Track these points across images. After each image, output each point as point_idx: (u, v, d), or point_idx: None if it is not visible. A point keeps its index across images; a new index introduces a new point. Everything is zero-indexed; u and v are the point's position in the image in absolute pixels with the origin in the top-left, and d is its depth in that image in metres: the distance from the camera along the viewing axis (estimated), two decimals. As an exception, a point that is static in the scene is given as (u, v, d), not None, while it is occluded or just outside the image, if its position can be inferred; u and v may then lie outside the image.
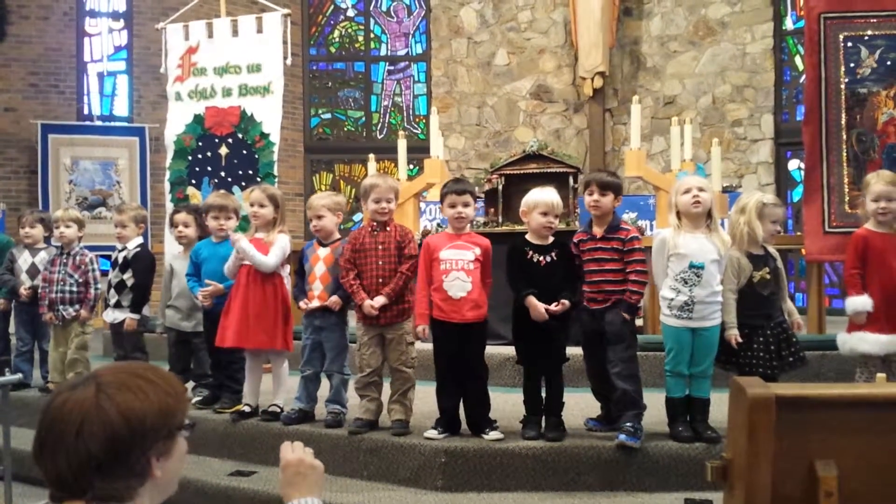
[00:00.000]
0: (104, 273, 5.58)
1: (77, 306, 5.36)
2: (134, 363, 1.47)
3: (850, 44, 5.62)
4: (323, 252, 4.34)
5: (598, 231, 3.92)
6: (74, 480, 1.31)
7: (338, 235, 4.40)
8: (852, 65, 5.60)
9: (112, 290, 5.22)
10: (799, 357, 3.85)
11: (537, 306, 3.80)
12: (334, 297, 4.24)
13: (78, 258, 5.41)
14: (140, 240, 5.36)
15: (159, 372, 1.43)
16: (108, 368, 1.41)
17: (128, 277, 5.19)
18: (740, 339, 3.77)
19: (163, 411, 1.36)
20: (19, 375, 5.68)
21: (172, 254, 5.46)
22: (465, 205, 4.02)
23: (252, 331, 4.39)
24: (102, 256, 5.74)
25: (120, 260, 5.24)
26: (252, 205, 4.49)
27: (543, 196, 3.94)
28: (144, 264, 5.25)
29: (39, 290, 5.52)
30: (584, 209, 5.85)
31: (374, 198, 4.10)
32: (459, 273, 3.95)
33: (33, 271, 5.71)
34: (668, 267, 3.81)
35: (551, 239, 3.98)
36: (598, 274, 3.86)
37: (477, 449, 3.80)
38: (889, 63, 5.56)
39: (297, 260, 4.55)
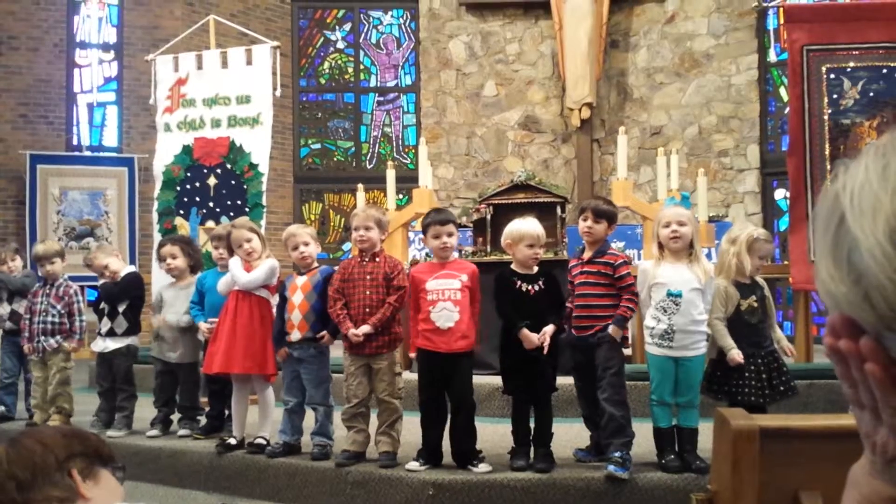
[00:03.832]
0: (90, 304, 5.54)
1: (58, 338, 5.29)
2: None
3: (832, 75, 5.70)
4: (300, 280, 4.34)
5: (586, 256, 3.96)
6: None
7: (316, 264, 4.41)
8: (835, 96, 5.67)
9: (105, 319, 5.18)
10: (790, 387, 3.85)
11: (530, 337, 3.80)
12: (326, 335, 4.23)
13: (62, 289, 5.36)
14: (131, 267, 5.37)
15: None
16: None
17: (119, 304, 5.16)
18: (741, 360, 3.77)
19: (74, 434, 1.50)
20: (2, 408, 5.63)
21: (161, 284, 5.44)
22: (450, 234, 4.02)
23: (238, 356, 4.37)
24: (90, 287, 5.70)
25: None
26: (240, 245, 4.51)
27: (528, 228, 3.95)
28: (135, 283, 5.25)
29: (21, 322, 5.46)
30: (573, 239, 5.91)
31: (354, 226, 4.14)
32: (447, 303, 3.93)
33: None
34: (651, 297, 3.84)
35: (536, 269, 4.00)
36: (585, 298, 3.88)
37: (465, 481, 3.77)
38: (871, 94, 5.64)
39: (280, 296, 4.45)
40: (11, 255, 5.75)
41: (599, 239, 3.95)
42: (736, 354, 3.76)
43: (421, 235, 7.64)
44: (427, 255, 6.48)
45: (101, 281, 5.26)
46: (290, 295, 4.33)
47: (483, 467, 3.85)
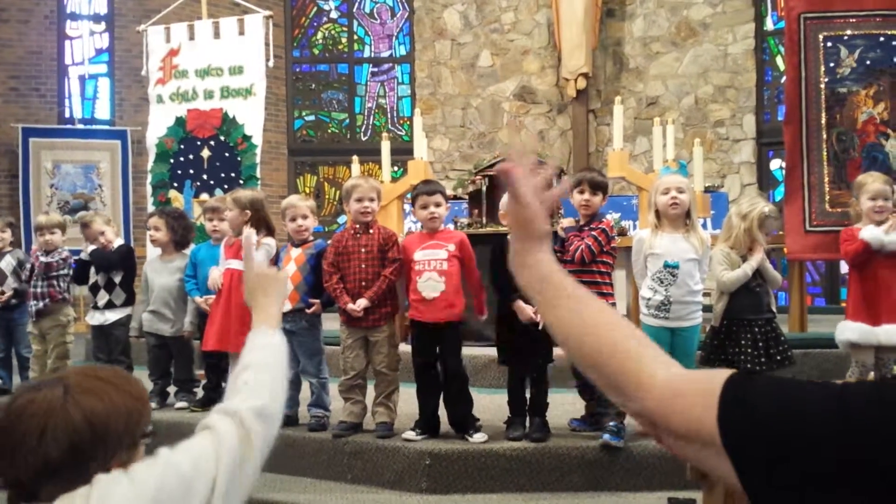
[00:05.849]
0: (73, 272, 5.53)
1: (47, 301, 5.32)
2: (100, 366, 1.46)
3: (829, 44, 5.66)
4: (295, 252, 4.32)
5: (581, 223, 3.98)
6: (30, 483, 1.27)
7: (311, 237, 4.41)
8: (832, 64, 5.64)
9: (101, 291, 5.17)
10: (787, 356, 3.87)
11: (526, 310, 3.81)
12: (317, 303, 4.22)
13: (56, 258, 5.39)
14: (121, 240, 5.38)
15: (124, 375, 1.41)
16: (75, 370, 1.40)
17: (115, 275, 5.15)
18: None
19: (128, 417, 1.33)
20: (-1, 381, 5.65)
21: (150, 258, 5.43)
22: (437, 204, 4.02)
23: (234, 334, 4.37)
24: (74, 260, 5.69)
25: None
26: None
27: None
28: (130, 254, 5.28)
29: (27, 293, 5.48)
30: (568, 211, 5.89)
31: (357, 197, 4.09)
32: (432, 273, 3.95)
33: (1, 276, 5.66)
34: (647, 267, 3.84)
35: (532, 239, 3.98)
36: (574, 265, 3.89)
37: (461, 451, 3.80)
38: (868, 62, 5.60)
39: (273, 264, 4.48)
40: (2, 227, 5.73)
41: (595, 211, 3.95)
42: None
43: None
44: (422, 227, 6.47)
45: (91, 248, 5.23)
46: (283, 265, 4.32)
47: (478, 437, 3.88)
